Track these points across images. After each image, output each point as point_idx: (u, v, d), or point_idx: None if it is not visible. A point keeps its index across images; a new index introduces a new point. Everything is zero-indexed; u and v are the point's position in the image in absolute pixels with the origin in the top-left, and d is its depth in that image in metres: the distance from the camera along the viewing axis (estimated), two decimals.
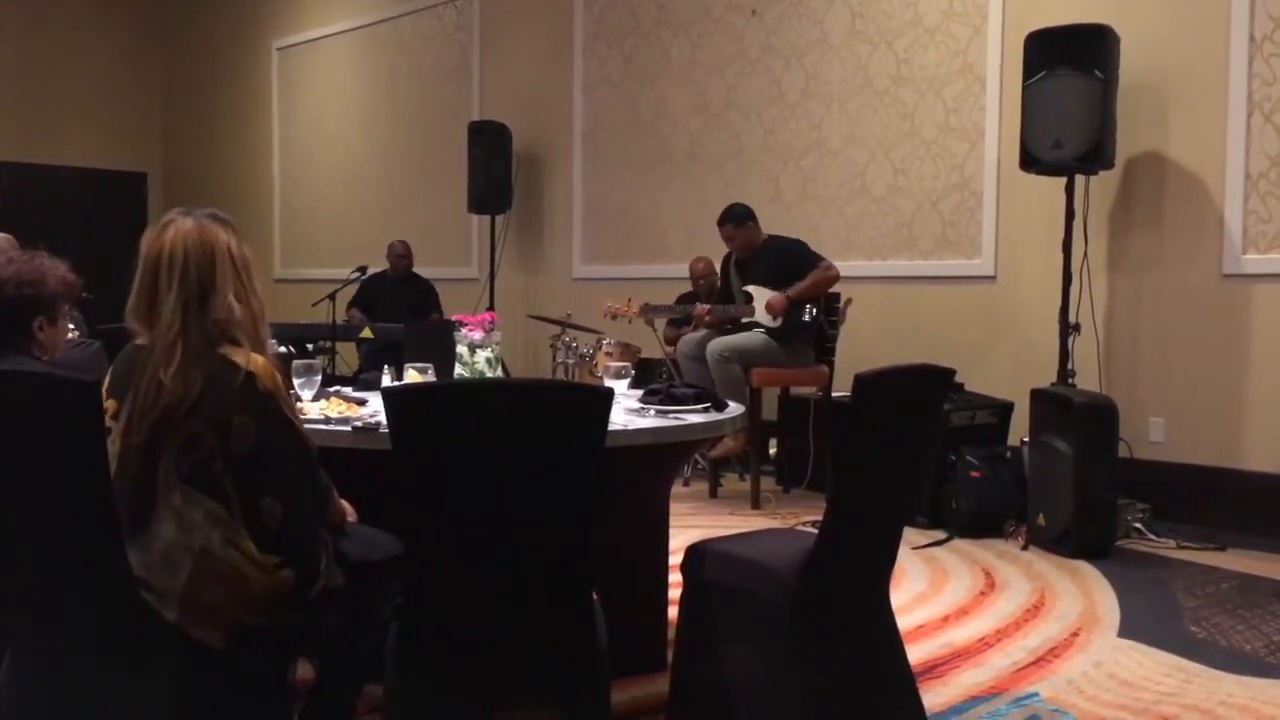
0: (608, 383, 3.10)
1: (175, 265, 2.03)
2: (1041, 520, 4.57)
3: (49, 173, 10.14)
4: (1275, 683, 3.02)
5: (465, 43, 8.31)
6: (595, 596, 2.22)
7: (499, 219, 7.78)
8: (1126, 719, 2.77)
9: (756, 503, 5.36)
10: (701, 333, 5.61)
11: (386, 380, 3.22)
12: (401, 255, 7.68)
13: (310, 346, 6.87)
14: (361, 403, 2.91)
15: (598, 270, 7.45)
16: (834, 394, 5.53)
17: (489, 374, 3.20)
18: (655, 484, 3.11)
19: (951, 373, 2.55)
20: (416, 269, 7.88)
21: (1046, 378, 4.96)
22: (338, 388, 3.20)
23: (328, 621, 2.15)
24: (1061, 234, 4.94)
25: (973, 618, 3.61)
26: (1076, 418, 4.47)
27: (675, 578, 2.78)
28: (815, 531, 2.39)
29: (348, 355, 7.74)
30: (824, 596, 2.34)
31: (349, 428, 2.52)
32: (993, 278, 5.69)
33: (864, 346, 5.59)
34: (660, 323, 6.24)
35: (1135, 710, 2.82)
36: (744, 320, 5.53)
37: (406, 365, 3.08)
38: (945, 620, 3.59)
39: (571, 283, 7.68)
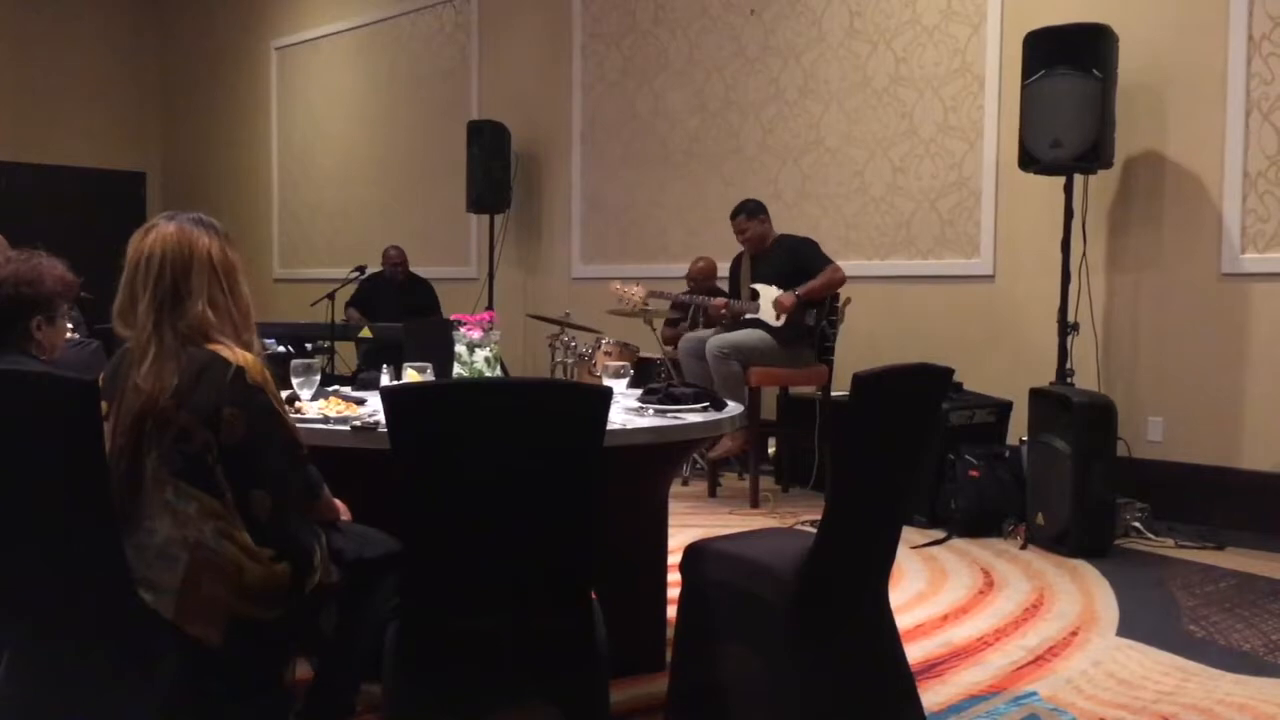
0: (606, 382, 3.09)
1: (152, 268, 2.06)
2: (1040, 519, 4.58)
3: (47, 172, 10.14)
4: (1273, 681, 3.02)
5: (464, 42, 8.31)
6: (594, 596, 2.22)
7: (498, 218, 7.78)
8: (1125, 718, 2.77)
9: (755, 502, 5.36)
10: (703, 331, 5.61)
11: (385, 380, 3.22)
12: (396, 262, 7.68)
13: (309, 346, 6.87)
14: (360, 402, 2.91)
15: (596, 270, 7.45)
16: (833, 393, 5.53)
17: (488, 373, 3.19)
18: (654, 483, 3.11)
19: (950, 372, 2.55)
20: (416, 269, 7.88)
21: (1045, 377, 4.97)
22: (336, 387, 3.20)
23: (325, 620, 2.15)
24: (1060, 233, 4.94)
25: (972, 617, 3.61)
26: (1075, 417, 4.48)
27: (674, 577, 2.78)
28: (814, 531, 2.39)
29: (346, 355, 7.74)
30: (823, 596, 2.34)
31: (348, 427, 2.52)
32: (991, 277, 5.69)
33: (862, 346, 5.60)
34: (659, 322, 6.24)
35: (1134, 709, 2.82)
36: (747, 316, 5.53)
37: (405, 365, 3.08)
38: (944, 619, 3.59)
39: (570, 282, 7.68)
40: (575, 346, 6.10)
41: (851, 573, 2.46)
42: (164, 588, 1.96)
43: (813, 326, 5.46)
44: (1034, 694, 2.92)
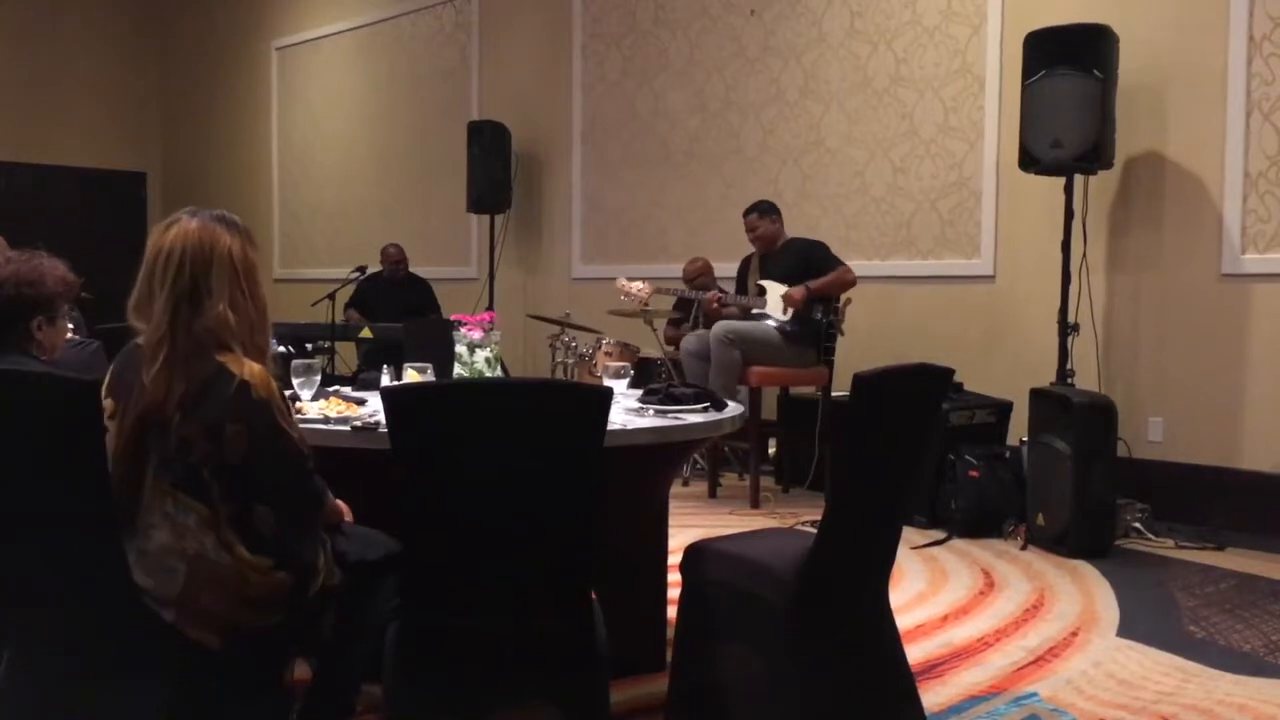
0: (607, 382, 3.09)
1: (170, 265, 2.02)
2: (1040, 520, 4.58)
3: (48, 173, 10.14)
4: (1273, 682, 3.02)
5: (464, 43, 8.31)
6: (594, 596, 2.22)
7: (498, 219, 7.78)
8: (1125, 718, 2.77)
9: (756, 502, 5.36)
10: (705, 331, 5.61)
11: (385, 380, 3.22)
12: (396, 260, 7.68)
13: (309, 346, 6.87)
14: (360, 402, 2.91)
15: (597, 270, 7.45)
16: (833, 393, 5.53)
17: (488, 374, 3.20)
18: (654, 484, 3.11)
19: (950, 372, 2.55)
20: (415, 268, 7.88)
21: (1045, 377, 4.97)
22: (337, 387, 3.20)
23: (325, 621, 2.15)
24: (1060, 234, 4.94)
25: (972, 617, 3.61)
26: (1075, 417, 4.48)
27: (674, 577, 2.78)
28: (814, 531, 2.39)
29: (347, 355, 7.74)
30: (823, 596, 2.34)
31: (348, 427, 2.52)
32: (992, 277, 5.69)
33: (863, 346, 5.60)
34: (660, 322, 6.24)
35: (1134, 709, 2.82)
36: (754, 312, 5.53)
37: (405, 365, 3.08)
38: (944, 620, 3.59)
39: (570, 282, 7.68)
40: (576, 347, 6.10)
41: (852, 573, 2.46)
42: (163, 597, 1.95)
43: (819, 323, 5.46)
44: (1034, 694, 2.93)
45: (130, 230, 10.74)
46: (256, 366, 2.02)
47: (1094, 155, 4.72)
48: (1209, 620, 3.60)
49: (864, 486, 2.38)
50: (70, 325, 2.92)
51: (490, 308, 7.40)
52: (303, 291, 7.96)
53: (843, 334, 5.54)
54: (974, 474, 4.82)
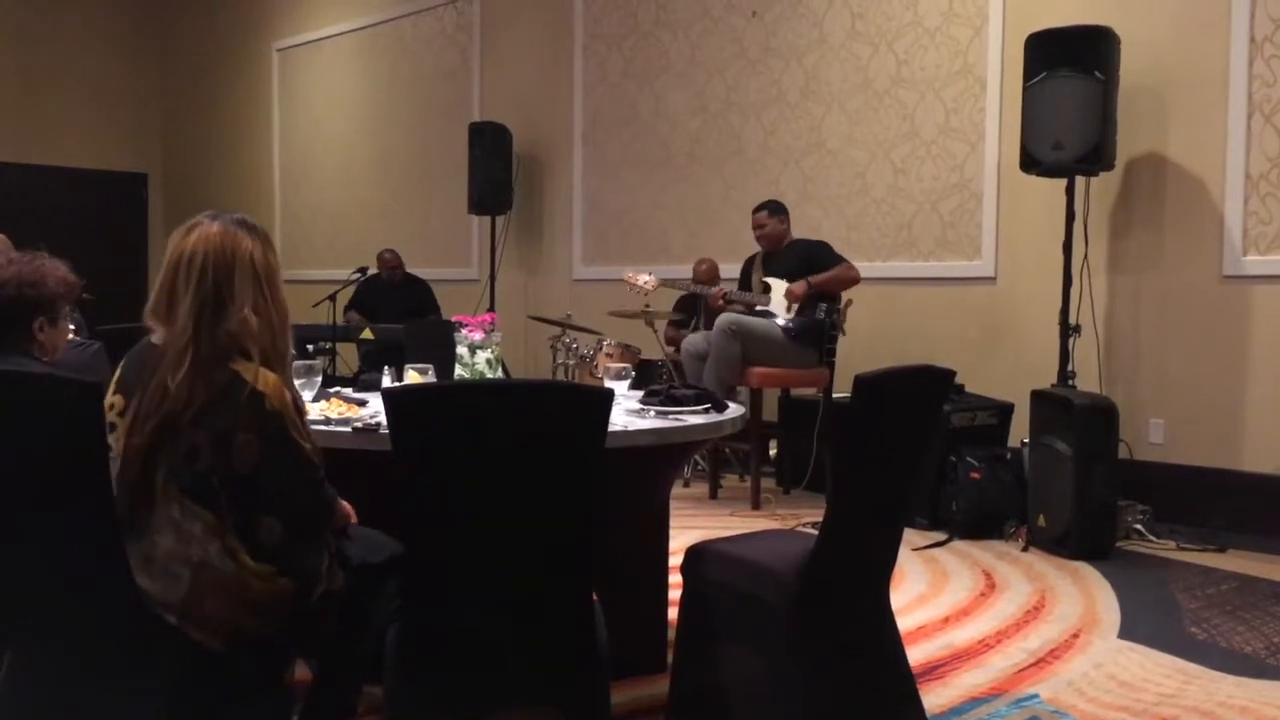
0: (608, 384, 3.10)
1: (194, 269, 2.01)
2: (1042, 521, 4.57)
3: (49, 174, 10.15)
4: (1274, 684, 3.02)
5: (465, 44, 8.32)
6: (595, 597, 2.22)
7: (499, 220, 7.78)
8: None
9: (756, 503, 5.36)
10: (707, 332, 5.62)
11: (387, 381, 3.22)
12: (393, 265, 7.70)
13: (310, 347, 6.87)
14: (362, 403, 2.91)
15: (598, 271, 7.45)
16: (834, 395, 5.53)
17: (489, 375, 3.20)
18: (655, 485, 3.11)
19: (951, 374, 2.55)
20: (417, 270, 7.89)
21: (1046, 379, 4.97)
22: (338, 389, 3.20)
23: (327, 623, 2.15)
24: (1062, 235, 4.94)
25: (973, 619, 3.61)
26: (1076, 419, 4.47)
27: (675, 579, 2.78)
28: (815, 532, 2.39)
29: (348, 356, 7.75)
30: (824, 597, 2.34)
31: (349, 429, 2.52)
32: (993, 279, 5.69)
33: (864, 347, 5.60)
34: (661, 323, 6.24)
35: (1135, 711, 2.82)
36: (758, 309, 5.54)
37: (406, 366, 3.08)
38: (945, 621, 3.58)
39: (571, 283, 7.68)
40: (577, 348, 6.10)
41: (852, 574, 2.46)
42: (167, 602, 1.95)
43: (822, 322, 5.46)
44: (1035, 696, 2.92)
45: (131, 231, 10.77)
46: (271, 376, 2.01)
47: (1095, 157, 4.72)
48: (1210, 622, 3.60)
49: (865, 488, 2.38)
50: (71, 326, 2.92)
51: (491, 309, 7.40)
52: (304, 293, 7.94)
53: (844, 334, 5.54)
54: (975, 475, 4.82)
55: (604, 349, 5.88)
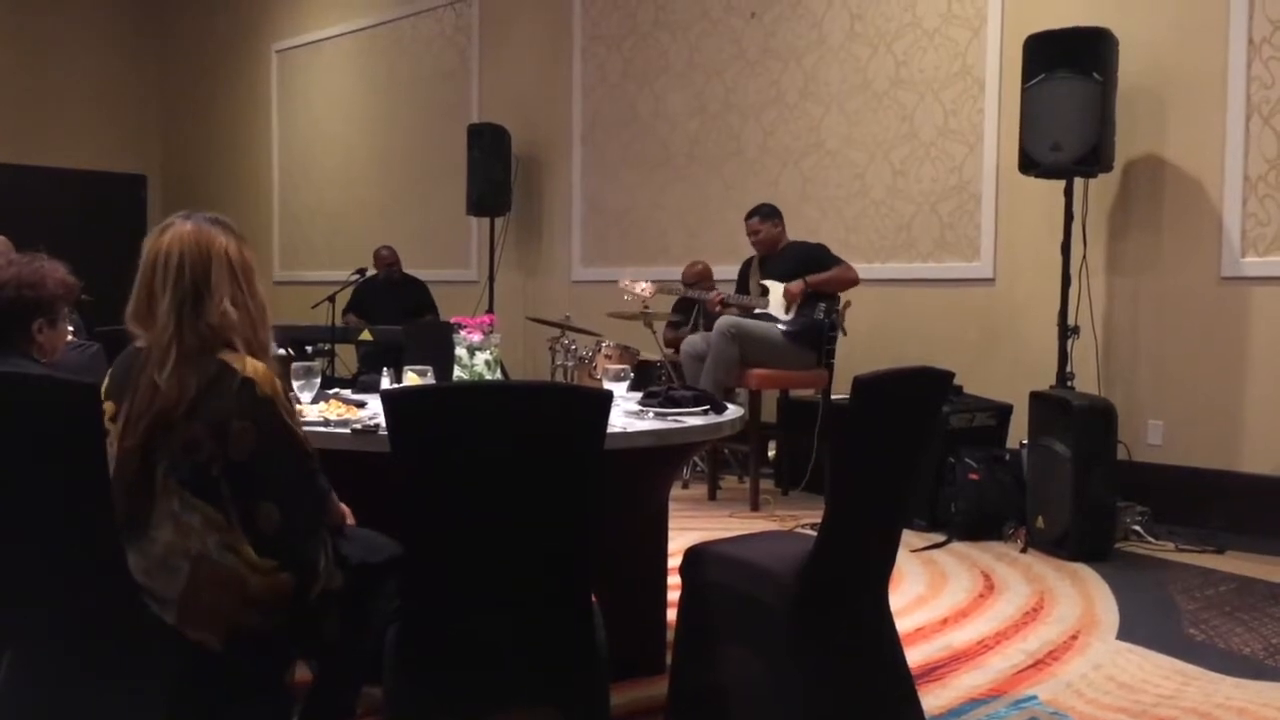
0: (607, 385, 3.10)
1: (170, 267, 2.03)
2: (1040, 523, 4.58)
3: (48, 175, 10.15)
4: (1273, 685, 3.02)
5: (464, 45, 8.32)
6: (594, 599, 2.22)
7: (498, 221, 7.78)
8: None
9: (755, 505, 5.36)
10: (705, 333, 5.62)
11: (385, 383, 3.22)
12: (390, 263, 7.71)
13: (309, 349, 6.88)
14: (360, 405, 2.91)
15: (597, 272, 7.45)
16: (833, 396, 5.53)
17: (488, 376, 3.20)
18: (654, 486, 3.11)
19: (950, 375, 2.55)
20: (415, 270, 7.89)
21: (1045, 380, 4.97)
22: (337, 390, 3.20)
23: (327, 624, 2.15)
24: (1060, 236, 4.94)
25: (972, 620, 3.61)
26: (1075, 420, 4.48)
27: (674, 580, 2.78)
28: (814, 534, 2.39)
29: (347, 357, 7.75)
30: (823, 599, 2.34)
31: (348, 430, 2.52)
32: (991, 280, 5.69)
33: (863, 349, 5.60)
34: (659, 324, 6.24)
35: (1133, 713, 2.82)
36: (756, 312, 5.54)
37: (405, 368, 3.08)
38: (944, 623, 3.59)
39: (570, 285, 7.68)
40: (575, 349, 6.10)
41: (851, 576, 2.46)
42: (165, 596, 1.95)
43: (821, 322, 5.46)
44: (1034, 697, 2.92)
45: (130, 233, 10.68)
46: (259, 364, 2.04)
47: (1093, 158, 4.73)
48: (1209, 623, 3.60)
49: (864, 489, 2.38)
50: (70, 328, 2.92)
51: (490, 310, 7.40)
52: (303, 294, 7.96)
53: (844, 333, 5.54)
54: (974, 476, 4.82)
55: (603, 350, 5.88)
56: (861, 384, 2.23)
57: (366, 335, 7.00)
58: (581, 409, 2.09)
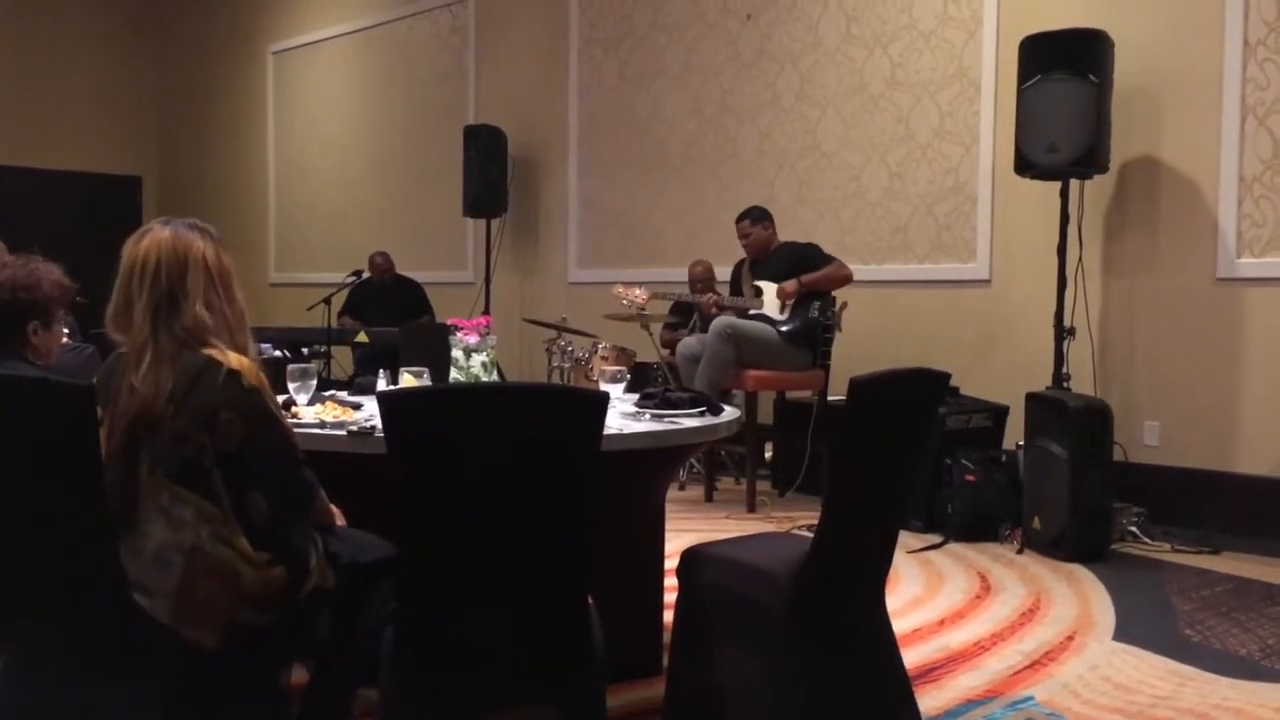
0: (603, 386, 3.09)
1: (148, 272, 2.06)
2: (1037, 524, 4.58)
3: (44, 177, 10.13)
4: (1269, 686, 3.03)
5: (460, 47, 8.32)
6: (591, 600, 2.22)
7: (494, 222, 7.78)
8: None
9: (752, 506, 5.36)
10: (702, 335, 5.62)
11: (382, 384, 3.21)
12: (384, 268, 7.72)
13: (305, 350, 6.87)
14: (357, 407, 2.91)
15: (593, 274, 7.45)
16: (829, 397, 5.53)
17: (484, 378, 3.19)
18: (651, 488, 3.11)
19: (946, 376, 2.55)
20: (412, 272, 7.89)
21: (1041, 381, 4.97)
22: (333, 392, 3.20)
23: (321, 625, 2.15)
24: (1056, 238, 4.95)
25: (968, 621, 3.61)
26: (1071, 421, 4.48)
27: (671, 581, 2.78)
28: (811, 535, 2.39)
29: (343, 359, 7.74)
30: (820, 600, 2.34)
31: (344, 432, 2.52)
32: (988, 281, 5.70)
33: (859, 350, 5.60)
34: (656, 326, 6.25)
35: (1130, 714, 2.82)
36: (751, 313, 5.54)
37: (402, 369, 3.08)
38: (941, 624, 3.59)
39: (567, 286, 7.68)
40: (572, 351, 6.10)
41: (848, 577, 2.46)
42: (160, 592, 1.96)
43: (816, 322, 5.46)
44: (1031, 698, 2.93)
45: (125, 235, 10.67)
46: (245, 358, 2.07)
47: (1089, 160, 4.73)
48: (1205, 624, 3.60)
49: (860, 490, 2.38)
50: (65, 330, 2.92)
51: (486, 312, 7.40)
52: (299, 295, 7.96)
53: (840, 330, 5.54)
54: (970, 478, 4.82)
55: (599, 352, 5.89)
56: (858, 385, 2.23)
57: (363, 337, 7.00)
58: (578, 411, 2.09)
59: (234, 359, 2.04)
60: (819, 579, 2.32)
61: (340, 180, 9.34)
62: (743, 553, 2.56)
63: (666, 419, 2.93)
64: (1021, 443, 4.80)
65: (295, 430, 2.27)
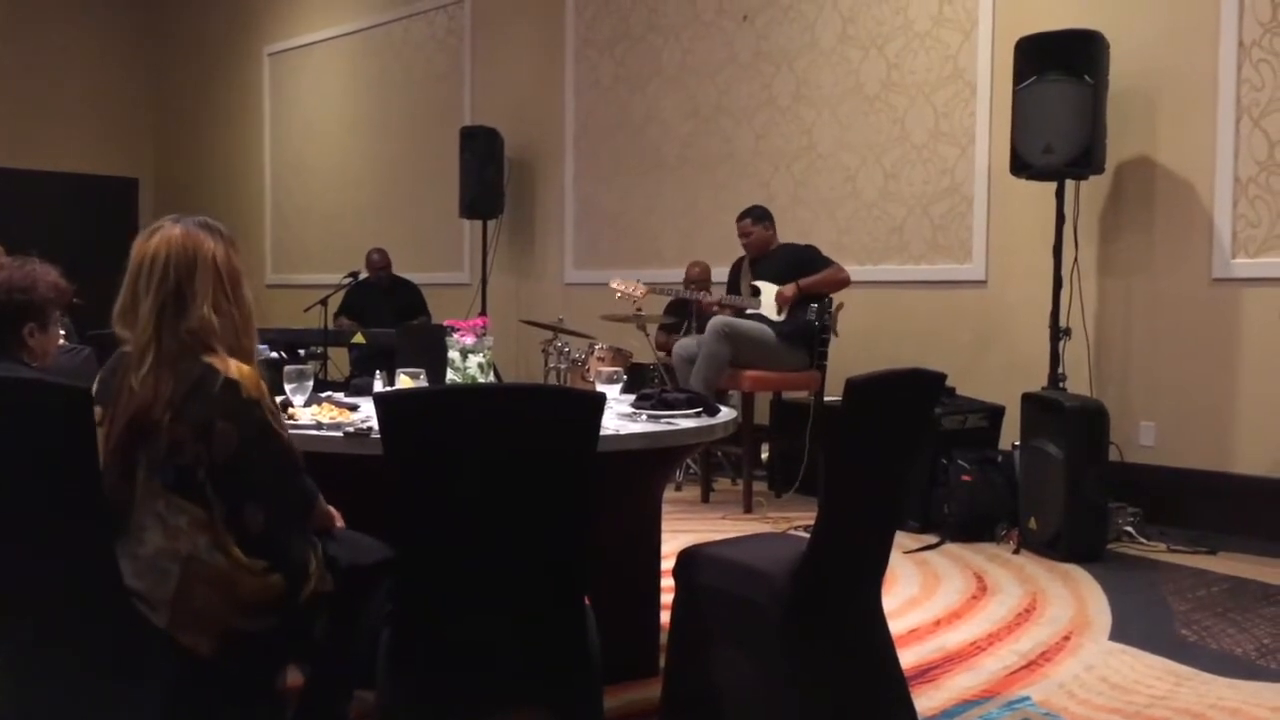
0: (599, 387, 3.10)
1: (156, 270, 2.03)
2: (1033, 524, 4.58)
3: (40, 178, 10.12)
4: (1266, 685, 3.03)
5: (456, 48, 8.32)
6: (587, 601, 2.22)
7: (490, 224, 7.78)
8: None
9: (749, 507, 5.36)
10: (699, 336, 5.62)
11: (378, 386, 3.21)
12: (381, 266, 7.71)
13: (302, 352, 6.86)
14: (353, 408, 2.91)
15: (589, 275, 7.45)
16: (826, 398, 5.53)
17: (481, 379, 3.20)
18: (647, 488, 3.11)
19: (942, 377, 2.55)
20: (408, 274, 7.89)
21: (1037, 382, 4.98)
22: (330, 393, 3.20)
23: (318, 627, 2.15)
24: (1052, 238, 4.95)
25: (965, 621, 3.62)
26: (1067, 421, 4.48)
27: (667, 582, 2.78)
28: (807, 535, 2.39)
29: (340, 360, 7.73)
30: (816, 601, 2.34)
31: (341, 433, 2.52)
32: (983, 282, 5.70)
33: (855, 351, 5.61)
34: (652, 328, 6.25)
35: (1126, 714, 2.83)
36: (748, 313, 5.55)
37: (398, 370, 3.08)
38: (937, 624, 3.59)
39: (563, 288, 7.68)
40: (568, 352, 6.10)
41: (845, 577, 2.46)
42: (157, 599, 1.95)
43: (812, 323, 5.47)
44: (1027, 698, 2.93)
45: (121, 236, 10.58)
46: (245, 367, 2.03)
47: (1085, 160, 4.74)
48: (1201, 624, 3.61)
49: (857, 491, 2.38)
50: (62, 332, 2.92)
51: (483, 313, 7.40)
52: (295, 297, 7.95)
53: (836, 334, 5.55)
54: (966, 478, 4.82)
55: (595, 353, 5.89)
56: (854, 386, 2.23)
57: (359, 338, 6.99)
58: (574, 411, 2.09)
59: (234, 367, 2.01)
60: (815, 579, 2.32)
61: (336, 182, 9.34)
62: (739, 553, 2.56)
63: (663, 420, 2.94)
64: (1017, 443, 4.80)
65: (292, 431, 2.26)
